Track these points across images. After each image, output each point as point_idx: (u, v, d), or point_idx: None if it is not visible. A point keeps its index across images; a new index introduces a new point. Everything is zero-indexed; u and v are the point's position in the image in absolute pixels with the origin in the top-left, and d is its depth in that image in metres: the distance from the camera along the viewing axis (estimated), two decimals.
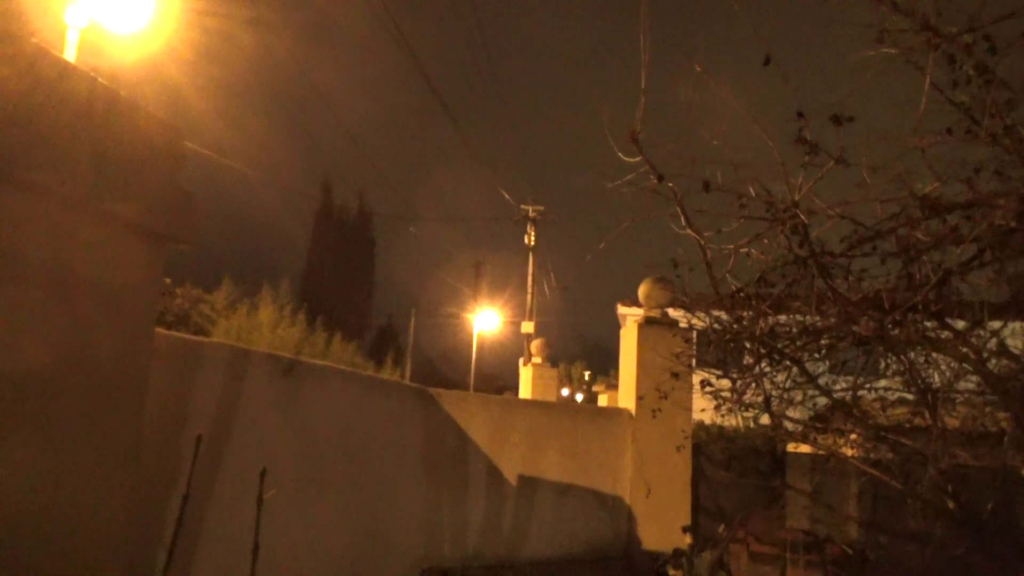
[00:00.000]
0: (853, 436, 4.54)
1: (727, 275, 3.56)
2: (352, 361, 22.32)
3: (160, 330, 2.26)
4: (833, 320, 3.44)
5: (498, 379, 45.02)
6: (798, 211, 2.96)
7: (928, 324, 3.54)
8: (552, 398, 15.58)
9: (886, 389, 4.19)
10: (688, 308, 4.49)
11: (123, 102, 1.68)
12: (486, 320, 37.80)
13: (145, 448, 1.95)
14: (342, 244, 50.94)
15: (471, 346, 38.80)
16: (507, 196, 26.66)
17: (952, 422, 3.91)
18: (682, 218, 3.41)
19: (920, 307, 3.33)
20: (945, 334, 3.54)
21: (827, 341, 3.80)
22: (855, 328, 3.45)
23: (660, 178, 3.23)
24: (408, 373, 35.24)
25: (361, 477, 4.00)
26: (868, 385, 4.17)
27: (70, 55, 8.83)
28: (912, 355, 3.68)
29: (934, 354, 3.67)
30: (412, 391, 4.82)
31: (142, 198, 1.71)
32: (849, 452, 4.75)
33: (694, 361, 5.18)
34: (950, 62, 2.80)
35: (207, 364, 2.70)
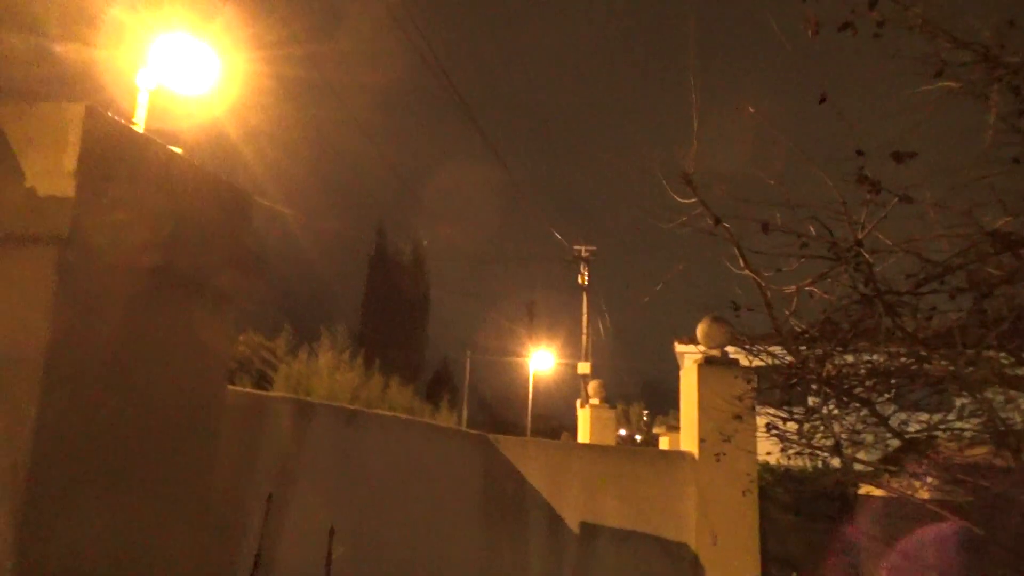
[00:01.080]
0: (929, 479, 4.35)
1: (788, 316, 3.48)
2: (409, 405, 22.46)
3: (232, 387, 2.33)
4: (903, 360, 3.32)
5: (554, 420, 44.60)
6: (862, 250, 2.89)
7: (1004, 361, 3.39)
8: (611, 440, 15.36)
9: (963, 429, 4.01)
10: (750, 350, 4.40)
11: (197, 170, 1.77)
12: (541, 360, 37.64)
13: (215, 502, 1.99)
14: (396, 288, 51.65)
15: (527, 387, 38.64)
16: (559, 236, 26.75)
17: None
18: (740, 259, 3.37)
19: (995, 344, 3.20)
20: (1022, 371, 3.39)
21: (898, 381, 3.67)
22: (927, 368, 3.33)
23: (717, 221, 3.20)
24: (464, 415, 35.24)
25: (421, 525, 3.99)
26: (943, 425, 4.00)
27: (140, 117, 9.31)
28: (989, 394, 3.52)
29: (1012, 392, 3.51)
30: (471, 437, 4.81)
31: (214, 262, 1.79)
32: (925, 495, 4.54)
33: (758, 402, 5.06)
34: (1015, 93, 2.73)
35: (273, 418, 2.76)
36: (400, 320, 49.92)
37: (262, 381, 15.64)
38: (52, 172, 1.41)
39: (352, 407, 3.50)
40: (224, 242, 1.86)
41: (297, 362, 16.76)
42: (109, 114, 1.57)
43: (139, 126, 9.26)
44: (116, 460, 1.72)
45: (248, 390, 2.87)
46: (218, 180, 1.83)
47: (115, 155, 1.54)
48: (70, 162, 1.41)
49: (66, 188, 1.42)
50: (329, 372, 17.39)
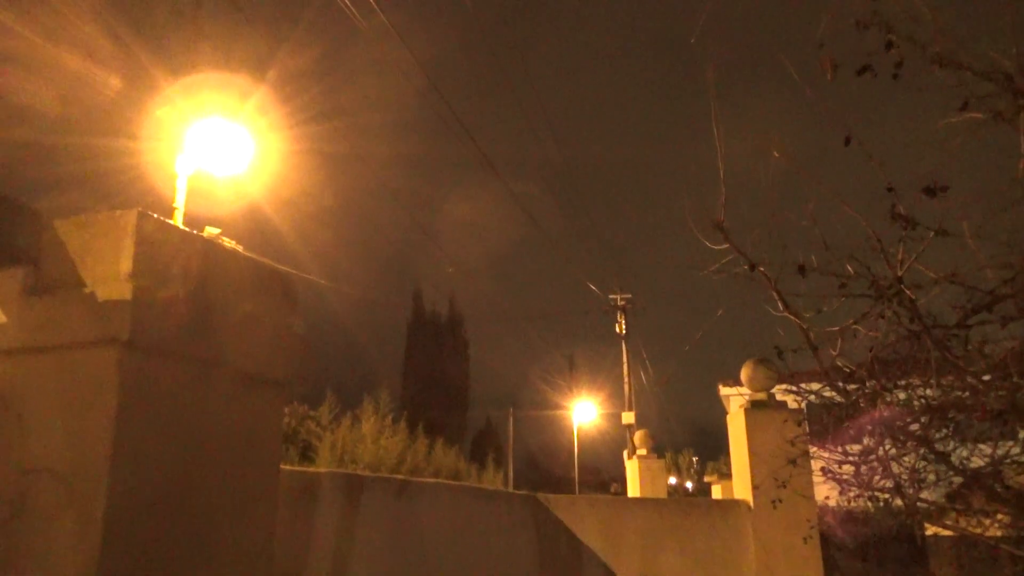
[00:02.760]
0: (999, 515, 4.16)
1: (835, 356, 3.43)
2: (455, 466, 22.31)
3: (283, 466, 2.36)
4: (958, 394, 3.24)
5: (603, 472, 43.80)
6: (903, 286, 2.85)
7: None
8: (661, 490, 15.02)
9: None
10: (798, 392, 4.31)
11: (242, 259, 1.84)
12: (584, 412, 37.21)
13: None
14: (436, 349, 51.92)
15: (572, 440, 38.14)
16: (594, 288, 26.72)
17: None
18: (779, 302, 3.34)
19: None
20: None
21: (954, 416, 3.56)
22: (983, 400, 3.24)
23: (753, 267, 3.20)
24: (511, 472, 34.83)
25: None
26: (1008, 458, 3.85)
27: (181, 202, 9.64)
28: None
29: None
30: (520, 499, 4.76)
31: (264, 350, 1.84)
32: (996, 533, 4.34)
33: (813, 443, 4.93)
34: None
35: (324, 494, 2.77)
36: (441, 381, 50.00)
37: (307, 451, 15.71)
38: (110, 277, 1.49)
39: (401, 477, 3.50)
40: (273, 329, 1.92)
41: (341, 430, 16.83)
42: (158, 216, 1.65)
43: (180, 210, 9.59)
44: (179, 557, 1.75)
45: (297, 468, 2.90)
46: (262, 267, 1.90)
47: (167, 255, 1.61)
48: (126, 266, 1.49)
49: (124, 291, 1.49)
50: (373, 438, 17.41)
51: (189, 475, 1.68)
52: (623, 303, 26.66)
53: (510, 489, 29.94)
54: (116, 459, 1.50)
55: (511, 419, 38.04)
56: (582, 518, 5.16)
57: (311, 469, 3.09)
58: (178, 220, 9.34)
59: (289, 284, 1.93)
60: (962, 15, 3.01)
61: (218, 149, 10.05)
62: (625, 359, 26.37)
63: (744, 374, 6.66)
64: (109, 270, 1.53)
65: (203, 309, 1.67)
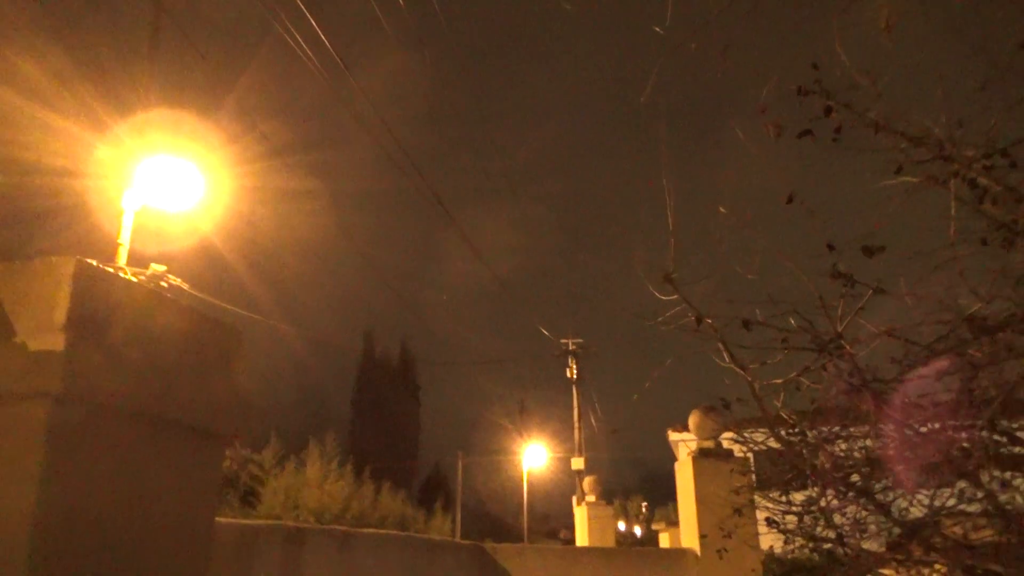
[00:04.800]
0: (937, 565, 4.24)
1: (779, 408, 3.50)
2: (402, 512, 21.85)
3: (219, 519, 2.28)
4: (896, 447, 3.32)
5: (552, 519, 43.36)
6: (843, 341, 2.94)
7: (999, 439, 3.39)
8: (610, 538, 14.93)
9: (965, 513, 3.95)
10: (742, 440, 4.38)
11: (186, 311, 1.80)
12: (534, 456, 36.96)
13: None
14: (386, 392, 51.22)
15: (521, 485, 37.77)
16: (546, 332, 26.80)
17: None
18: (725, 354, 3.41)
19: (988, 426, 3.21)
20: (1018, 449, 3.39)
21: (894, 467, 3.65)
22: (920, 453, 3.32)
23: (699, 320, 3.26)
24: (458, 519, 34.24)
25: None
26: (945, 510, 3.95)
27: (126, 237, 9.43)
28: (986, 477, 3.50)
29: (1008, 474, 3.49)
30: (467, 549, 4.68)
31: (204, 403, 1.79)
32: None
33: (758, 492, 4.98)
34: (971, 186, 2.86)
35: (264, 548, 2.68)
36: (390, 425, 49.26)
37: (249, 496, 15.21)
38: (43, 328, 1.43)
39: (343, 529, 3.41)
40: (214, 383, 1.87)
41: (285, 475, 16.36)
42: (97, 264, 1.60)
43: (124, 246, 9.36)
44: None
45: (236, 520, 2.80)
46: (207, 320, 1.86)
47: (104, 305, 1.56)
48: (60, 316, 1.44)
49: (56, 343, 1.44)
50: (318, 483, 16.96)
51: (120, 531, 1.60)
52: (574, 348, 26.79)
53: (457, 536, 29.38)
54: (40, 516, 1.42)
55: (460, 464, 37.57)
56: (530, 569, 5.08)
57: (250, 521, 2.98)
58: (122, 256, 9.11)
59: (235, 339, 1.89)
60: (899, 85, 3.17)
61: (167, 185, 9.89)
62: (576, 404, 26.40)
63: (692, 422, 6.73)
64: (43, 320, 1.47)
65: (142, 361, 1.62)
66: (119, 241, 9.32)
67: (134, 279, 1.75)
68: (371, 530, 3.85)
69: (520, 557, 5.09)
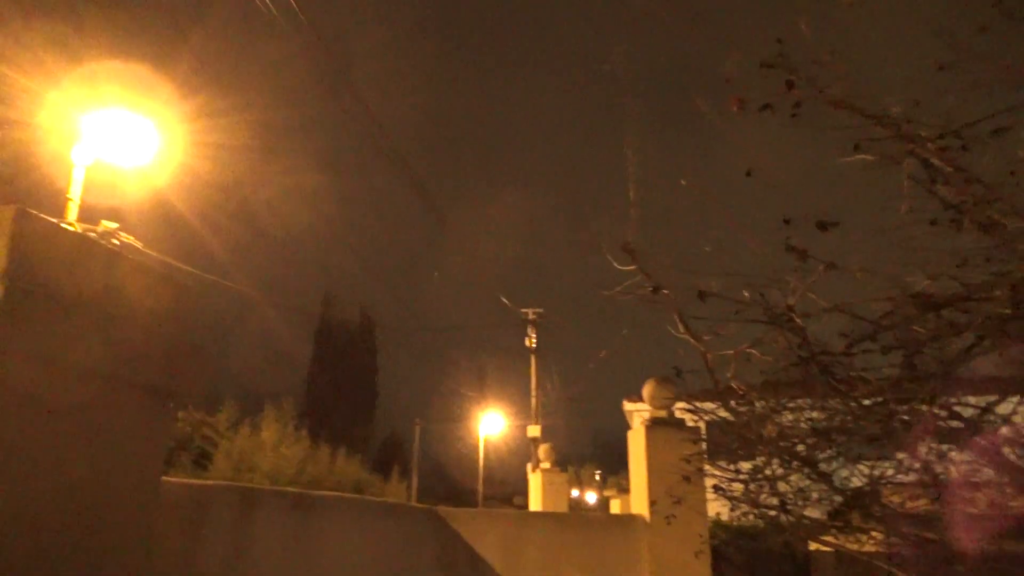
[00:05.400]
0: (874, 533, 4.41)
1: (730, 379, 3.57)
2: (358, 477, 21.88)
3: (167, 478, 2.25)
4: (840, 419, 3.43)
5: (508, 484, 43.87)
6: (793, 315, 3.00)
7: (939, 413, 3.51)
8: (563, 504, 15.18)
9: (903, 483, 4.10)
10: (694, 410, 4.47)
11: (136, 266, 1.75)
12: (491, 424, 37.27)
13: None
14: (344, 357, 50.93)
15: (478, 452, 38.12)
16: (506, 301, 26.85)
17: (978, 508, 3.81)
18: (680, 325, 3.46)
19: (928, 399, 3.32)
20: (955, 423, 3.52)
21: (837, 438, 3.76)
22: (863, 424, 3.43)
23: (655, 289, 3.30)
24: (415, 484, 34.46)
25: None
26: (884, 479, 4.09)
27: (76, 192, 9.13)
28: (924, 449, 3.64)
29: (945, 446, 3.63)
30: (420, 513, 4.71)
31: (152, 359, 1.75)
32: (873, 549, 4.60)
33: (707, 461, 5.10)
34: (925, 166, 2.92)
35: (216, 509, 2.66)
36: (348, 390, 49.07)
37: (202, 459, 15.06)
38: None
39: (296, 490, 3.40)
40: (164, 339, 1.83)
41: (239, 437, 16.22)
42: (40, 215, 1.55)
43: (74, 201, 9.07)
44: (43, 563, 1.64)
45: (185, 480, 2.76)
46: (158, 277, 1.81)
47: (47, 258, 1.51)
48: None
49: None
50: (273, 446, 16.86)
51: (60, 479, 1.57)
52: (534, 317, 26.91)
53: (413, 501, 29.60)
54: None
55: (417, 430, 37.71)
56: (483, 532, 5.15)
57: (202, 482, 2.95)
58: (72, 211, 8.84)
59: (188, 298, 1.85)
60: (863, 64, 3.21)
61: (120, 139, 9.59)
62: (533, 373, 26.61)
63: (646, 392, 6.83)
64: None
65: (88, 317, 1.58)
66: (68, 196, 9.04)
67: (81, 232, 1.70)
68: (325, 492, 3.86)
69: (473, 521, 5.15)
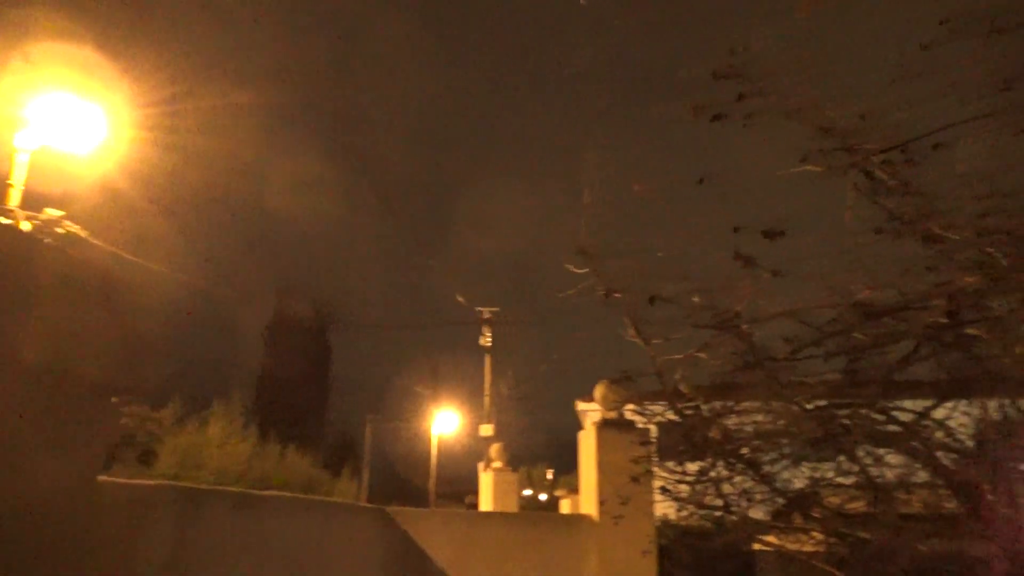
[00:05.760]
0: (814, 533, 4.52)
1: (679, 381, 3.63)
2: (308, 474, 21.58)
3: (105, 478, 2.19)
4: (783, 423, 3.51)
5: (460, 484, 43.76)
6: (741, 321, 3.07)
7: (877, 418, 3.62)
8: (514, 503, 15.21)
9: (842, 485, 4.21)
10: (644, 412, 4.53)
11: (76, 263, 1.71)
12: (445, 422, 37.12)
13: None
14: (297, 353, 50.23)
15: (431, 451, 37.94)
16: (462, 300, 26.81)
17: (912, 509, 3.94)
18: (631, 328, 3.50)
19: (866, 404, 3.43)
20: (893, 428, 3.63)
21: (780, 441, 3.85)
22: (805, 428, 3.52)
23: (607, 293, 3.34)
24: (365, 483, 34.14)
25: None
26: (824, 481, 4.20)
27: (19, 178, 8.83)
28: (862, 452, 3.75)
29: (881, 450, 3.74)
30: (369, 512, 4.68)
31: (91, 356, 1.71)
32: (812, 549, 4.71)
33: (655, 462, 5.16)
34: (869, 178, 3.01)
35: (155, 509, 2.59)
36: (300, 387, 48.39)
37: (147, 456, 14.69)
38: None
39: (239, 490, 3.35)
40: (104, 335, 1.79)
41: (185, 434, 15.85)
42: None
43: (16, 188, 8.77)
44: None
45: (126, 481, 2.69)
46: (97, 270, 1.77)
47: None
48: None
49: None
50: (220, 443, 16.51)
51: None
52: (490, 316, 26.92)
53: (363, 500, 29.31)
54: None
55: (368, 428, 37.40)
56: (432, 532, 5.14)
57: (142, 482, 2.87)
58: (14, 198, 8.54)
59: (128, 288, 1.80)
60: (814, 77, 3.28)
61: (67, 125, 9.30)
62: (488, 372, 26.62)
63: (597, 393, 6.90)
64: None
65: (26, 311, 1.52)
66: (9, 182, 8.73)
67: (12, 223, 1.64)
68: (270, 492, 3.80)
69: (422, 521, 5.14)
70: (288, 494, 3.89)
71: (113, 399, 1.85)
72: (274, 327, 51.69)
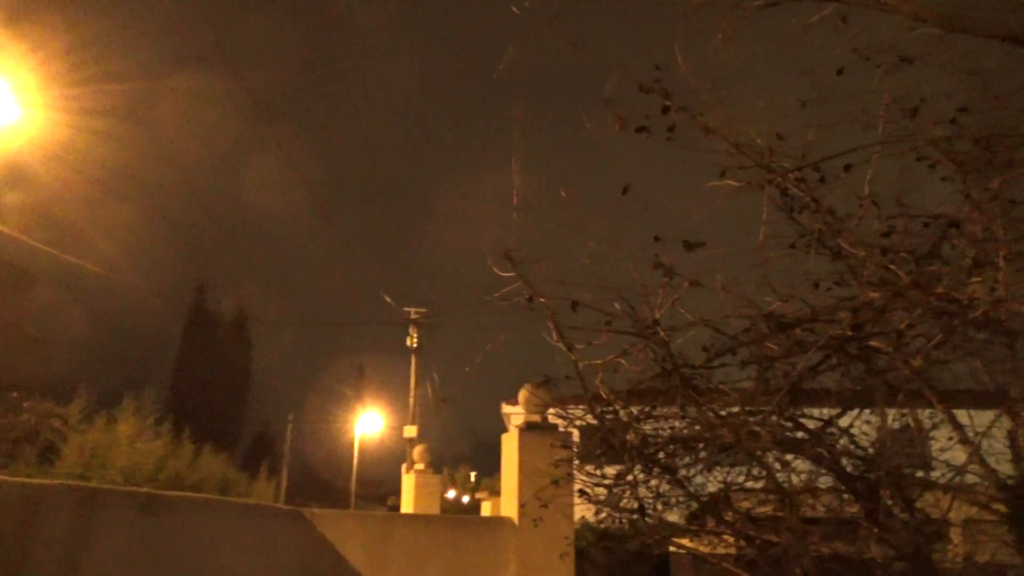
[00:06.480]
0: (725, 536, 4.67)
1: (599, 386, 3.69)
2: (224, 475, 20.96)
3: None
4: (698, 428, 3.62)
5: (382, 486, 43.32)
6: (659, 328, 3.15)
7: (786, 425, 3.77)
8: (436, 506, 15.16)
9: (752, 489, 4.37)
10: (564, 416, 4.60)
11: None
12: (368, 423, 36.67)
13: None
14: (215, 349, 48.70)
15: (353, 451, 37.41)
16: (389, 300, 26.55)
17: (817, 513, 4.11)
18: (554, 333, 3.55)
19: (776, 411, 3.56)
20: (800, 434, 3.79)
21: (694, 447, 3.97)
22: (717, 434, 3.64)
23: (531, 297, 3.37)
24: (283, 484, 33.38)
25: None
26: (735, 485, 4.34)
27: None
28: (770, 457, 3.89)
29: (788, 456, 3.89)
30: (284, 514, 4.58)
31: None
32: (724, 551, 4.86)
33: (575, 465, 5.23)
34: (783, 194, 3.14)
35: (53, 509, 2.46)
36: (218, 384, 46.92)
37: (49, 453, 13.96)
38: None
39: (147, 491, 3.23)
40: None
41: (93, 431, 15.14)
42: None
43: None
44: None
45: (18, 479, 2.55)
46: None
47: None
48: None
49: None
50: (130, 441, 15.85)
51: None
52: (416, 316, 26.75)
53: (282, 500, 28.65)
54: None
55: (289, 428, 36.60)
56: (349, 534, 5.07)
57: (36, 481, 2.73)
58: None
59: (24, 282, 1.70)
60: (732, 97, 3.40)
61: None
62: (413, 373, 26.45)
63: (521, 396, 6.95)
64: None
65: None
66: None
67: None
68: (179, 493, 3.68)
69: (340, 523, 5.07)
70: (199, 495, 3.77)
71: (13, 394, 1.75)
72: (192, 322, 49.97)
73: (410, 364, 26.69)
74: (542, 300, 3.55)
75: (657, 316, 3.16)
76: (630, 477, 4.00)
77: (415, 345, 26.56)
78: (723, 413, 3.63)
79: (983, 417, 3.56)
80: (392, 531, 5.59)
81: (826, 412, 3.84)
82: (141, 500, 3.05)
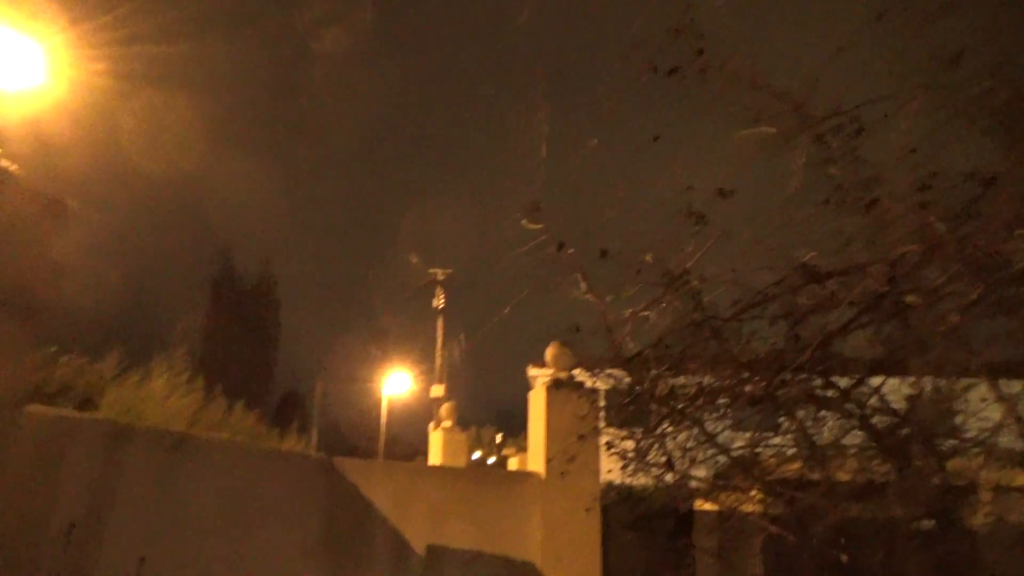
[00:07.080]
0: (752, 492, 4.66)
1: (627, 338, 3.67)
2: (254, 430, 21.34)
3: (31, 407, 2.11)
4: (727, 381, 3.58)
5: (409, 445, 43.88)
6: (690, 277, 3.10)
7: (815, 383, 3.72)
8: (462, 462, 15.34)
9: (781, 446, 4.34)
10: (592, 372, 4.58)
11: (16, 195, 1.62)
12: (396, 384, 37.05)
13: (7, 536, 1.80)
14: (244, 308, 49.37)
15: (380, 411, 37.91)
16: (415, 261, 26.60)
17: (843, 475, 4.08)
18: (582, 284, 3.51)
19: (806, 367, 3.51)
20: (831, 392, 3.74)
21: (723, 401, 3.93)
22: (747, 388, 3.60)
23: (560, 247, 3.34)
24: (314, 441, 33.98)
25: (254, 555, 3.79)
26: (764, 442, 4.32)
27: None
28: (801, 413, 3.85)
29: (821, 411, 3.85)
30: (312, 462, 4.66)
31: (11, 277, 1.63)
32: (750, 508, 4.86)
33: (601, 422, 5.23)
34: (819, 142, 3.04)
35: (83, 442, 2.52)
36: (247, 344, 47.65)
37: (86, 406, 14.31)
38: None
39: (178, 431, 3.29)
40: (22, 254, 1.70)
41: (127, 386, 15.44)
42: None
43: None
44: None
45: (50, 409, 2.61)
46: (20, 188, 1.68)
47: None
48: None
49: None
50: (163, 397, 16.14)
51: None
52: (443, 277, 26.81)
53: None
54: None
55: (318, 386, 37.16)
56: (376, 484, 5.14)
57: (68, 412, 2.79)
58: None
59: (54, 210, 1.71)
60: (765, 45, 3.30)
61: (2, 60, 8.86)
62: (440, 333, 26.60)
63: (548, 354, 6.94)
64: None
65: None
66: None
67: None
68: (211, 435, 3.75)
69: (368, 471, 5.14)
70: (230, 438, 3.83)
71: (30, 324, 1.77)
72: (219, 282, 50.61)
73: (436, 324, 26.84)
74: (571, 251, 3.52)
75: (688, 265, 3.11)
76: (658, 430, 3.99)
77: (442, 306, 26.67)
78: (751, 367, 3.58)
79: (1013, 387, 3.47)
80: (419, 482, 5.67)
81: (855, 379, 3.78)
82: (173, 439, 3.11)
